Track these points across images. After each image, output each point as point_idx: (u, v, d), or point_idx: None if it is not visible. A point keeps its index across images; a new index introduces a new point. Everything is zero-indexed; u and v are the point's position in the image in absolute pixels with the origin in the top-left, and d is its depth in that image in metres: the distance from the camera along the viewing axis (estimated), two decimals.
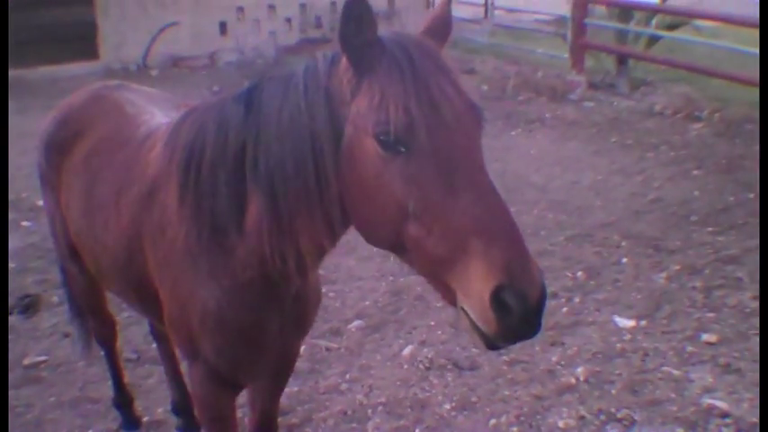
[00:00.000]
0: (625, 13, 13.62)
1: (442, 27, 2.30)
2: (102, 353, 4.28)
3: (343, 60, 2.10)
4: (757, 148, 9.38)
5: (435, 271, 1.95)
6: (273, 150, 2.23)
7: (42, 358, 4.99)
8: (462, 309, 1.88)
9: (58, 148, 3.42)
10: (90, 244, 3.17)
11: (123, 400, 4.29)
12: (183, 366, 4.36)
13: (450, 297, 1.94)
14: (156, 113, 3.27)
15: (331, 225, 2.22)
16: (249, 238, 2.39)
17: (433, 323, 5.33)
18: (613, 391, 4.58)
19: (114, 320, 4.16)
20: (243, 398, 3.26)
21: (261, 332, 2.63)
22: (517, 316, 1.78)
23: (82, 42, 14.23)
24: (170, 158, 2.58)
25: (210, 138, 2.41)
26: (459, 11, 18.39)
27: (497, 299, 1.77)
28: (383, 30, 2.12)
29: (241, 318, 2.56)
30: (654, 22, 13.41)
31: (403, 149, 1.93)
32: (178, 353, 4.33)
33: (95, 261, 3.21)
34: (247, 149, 2.30)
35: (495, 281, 1.77)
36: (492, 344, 1.88)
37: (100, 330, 4.11)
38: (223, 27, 15.20)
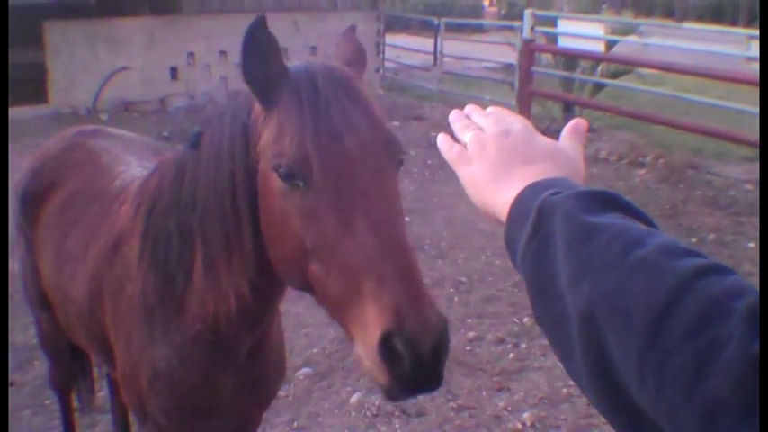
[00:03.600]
0: (570, 62, 13.91)
1: (356, 55, 2.21)
2: (55, 399, 4.25)
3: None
4: (699, 192, 9.61)
5: (337, 313, 1.81)
6: (202, 189, 2.20)
7: None
8: (359, 355, 1.72)
9: (32, 199, 3.38)
10: (59, 296, 3.14)
11: None
12: (132, 416, 4.34)
13: (353, 341, 1.77)
14: (133, 163, 3.23)
15: (246, 269, 2.14)
16: (196, 286, 2.35)
17: None
18: None
19: (76, 369, 4.12)
20: None
21: (212, 394, 2.56)
22: (408, 366, 1.61)
23: (31, 86, 14.11)
24: (136, 211, 2.57)
25: (168, 184, 2.39)
26: (408, 58, 18.68)
27: (386, 346, 1.62)
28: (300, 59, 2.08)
29: (191, 377, 2.50)
30: (598, 70, 13.72)
31: (300, 184, 1.84)
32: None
33: (64, 313, 3.18)
34: (189, 190, 2.27)
35: (384, 326, 1.62)
36: (389, 394, 1.71)
37: (58, 377, 4.08)
38: (174, 72, 15.20)
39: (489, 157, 1.27)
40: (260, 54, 1.95)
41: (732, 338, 0.78)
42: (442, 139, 1.39)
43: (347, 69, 2.06)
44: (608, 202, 1.04)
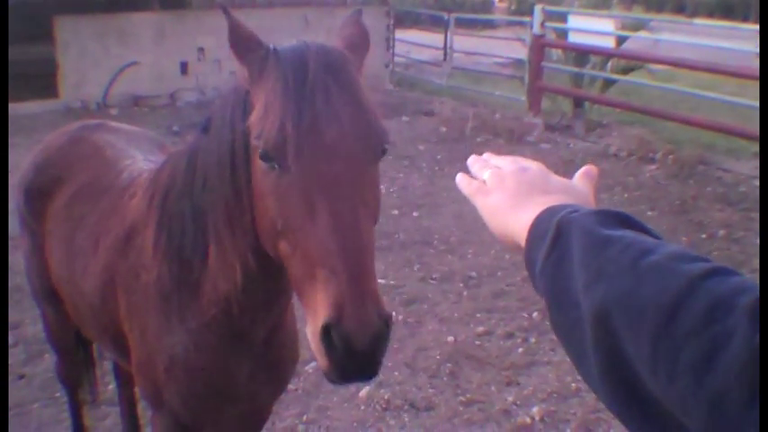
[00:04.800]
0: (581, 57, 13.89)
1: (360, 38, 2.21)
2: (63, 393, 4.27)
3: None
4: (710, 188, 9.59)
5: (297, 291, 1.92)
6: (210, 162, 2.25)
7: None
8: (308, 335, 1.83)
9: (38, 195, 3.40)
10: (70, 290, 3.16)
11: None
12: (140, 409, 4.36)
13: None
14: (137, 157, 3.26)
15: (247, 236, 2.18)
16: (211, 269, 2.38)
17: (389, 364, 5.34)
18: (568, 431, 4.63)
19: (82, 363, 4.14)
20: None
21: (228, 379, 2.58)
22: (343, 357, 1.72)
23: (42, 80, 14.16)
24: (149, 202, 2.59)
25: (181, 171, 2.43)
26: (418, 53, 18.66)
27: (326, 336, 1.72)
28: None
29: (207, 362, 2.53)
30: (609, 65, 13.68)
31: (276, 166, 1.89)
32: (139, 395, 4.32)
33: (74, 306, 3.20)
34: (201, 170, 2.32)
35: (325, 318, 1.72)
36: (328, 377, 1.82)
37: (66, 370, 4.10)
38: (184, 67, 15.22)
39: (509, 189, 1.37)
40: (242, 44, 2.07)
41: (737, 331, 0.85)
42: (460, 177, 1.49)
43: (343, 52, 2.07)
44: (621, 220, 1.13)
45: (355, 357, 1.72)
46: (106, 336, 3.02)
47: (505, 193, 1.37)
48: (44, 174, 3.42)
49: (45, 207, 3.35)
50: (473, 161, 1.54)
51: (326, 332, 1.72)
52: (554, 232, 1.15)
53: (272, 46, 2.04)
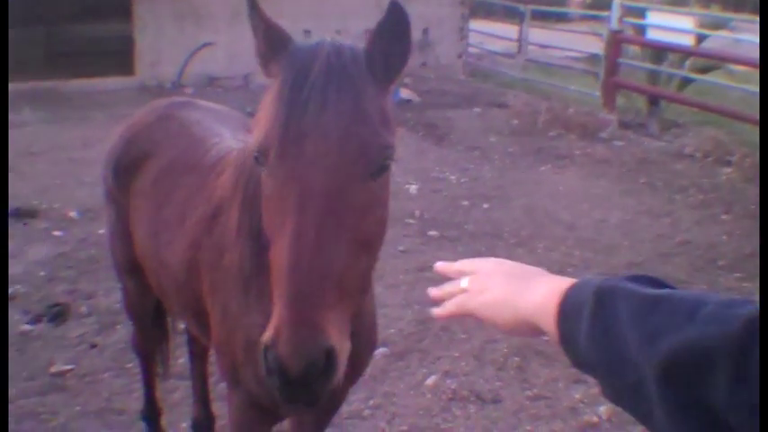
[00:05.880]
0: (658, 55, 13.65)
1: (397, 29, 1.94)
2: (137, 363, 4.37)
3: None
4: None
5: None
6: None
7: (69, 367, 5.03)
8: None
9: (126, 169, 3.45)
10: (154, 264, 3.19)
11: (152, 413, 4.31)
12: (211, 384, 4.41)
13: None
14: (226, 136, 3.28)
15: None
16: None
17: (457, 354, 5.33)
18: None
19: (159, 336, 4.22)
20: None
21: None
22: (277, 380, 1.70)
23: (118, 57, 14.42)
24: (236, 182, 2.59)
25: None
26: (492, 44, 18.55)
27: (264, 355, 1.71)
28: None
29: None
30: (687, 64, 13.42)
31: (264, 169, 1.88)
32: (210, 370, 4.36)
33: (158, 280, 3.23)
34: None
35: (266, 337, 1.70)
36: (276, 394, 1.78)
37: (142, 342, 4.17)
38: None
39: (500, 282, 1.44)
40: (259, 33, 2.04)
41: None
42: (439, 311, 1.56)
43: (359, 55, 1.95)
44: (653, 281, 1.22)
45: (288, 382, 1.69)
46: (189, 311, 3.04)
47: (500, 285, 1.44)
48: (133, 148, 3.47)
49: (133, 181, 3.40)
50: (442, 267, 1.62)
51: (264, 353, 1.71)
52: (594, 301, 1.21)
53: (291, 45, 1.99)
